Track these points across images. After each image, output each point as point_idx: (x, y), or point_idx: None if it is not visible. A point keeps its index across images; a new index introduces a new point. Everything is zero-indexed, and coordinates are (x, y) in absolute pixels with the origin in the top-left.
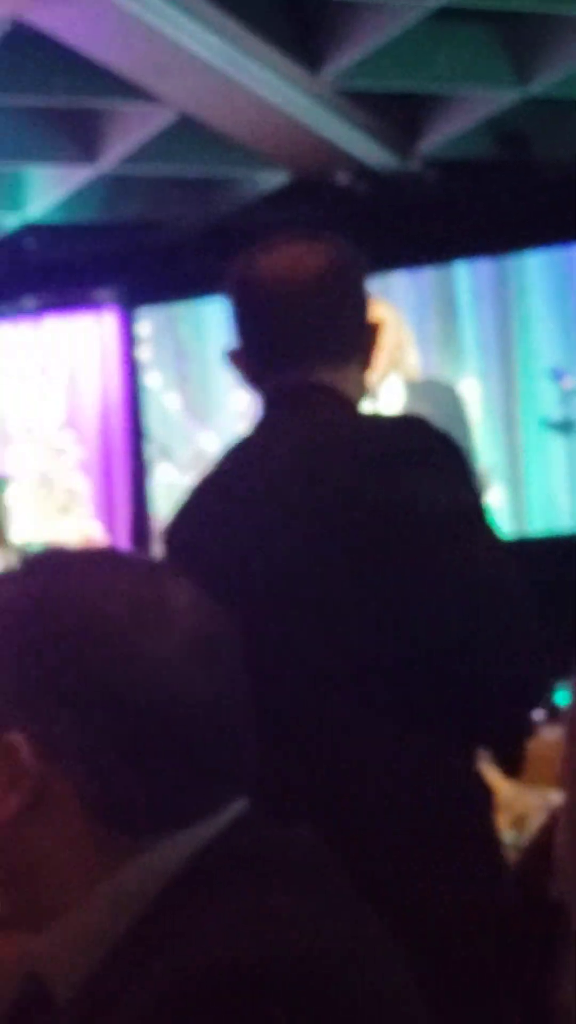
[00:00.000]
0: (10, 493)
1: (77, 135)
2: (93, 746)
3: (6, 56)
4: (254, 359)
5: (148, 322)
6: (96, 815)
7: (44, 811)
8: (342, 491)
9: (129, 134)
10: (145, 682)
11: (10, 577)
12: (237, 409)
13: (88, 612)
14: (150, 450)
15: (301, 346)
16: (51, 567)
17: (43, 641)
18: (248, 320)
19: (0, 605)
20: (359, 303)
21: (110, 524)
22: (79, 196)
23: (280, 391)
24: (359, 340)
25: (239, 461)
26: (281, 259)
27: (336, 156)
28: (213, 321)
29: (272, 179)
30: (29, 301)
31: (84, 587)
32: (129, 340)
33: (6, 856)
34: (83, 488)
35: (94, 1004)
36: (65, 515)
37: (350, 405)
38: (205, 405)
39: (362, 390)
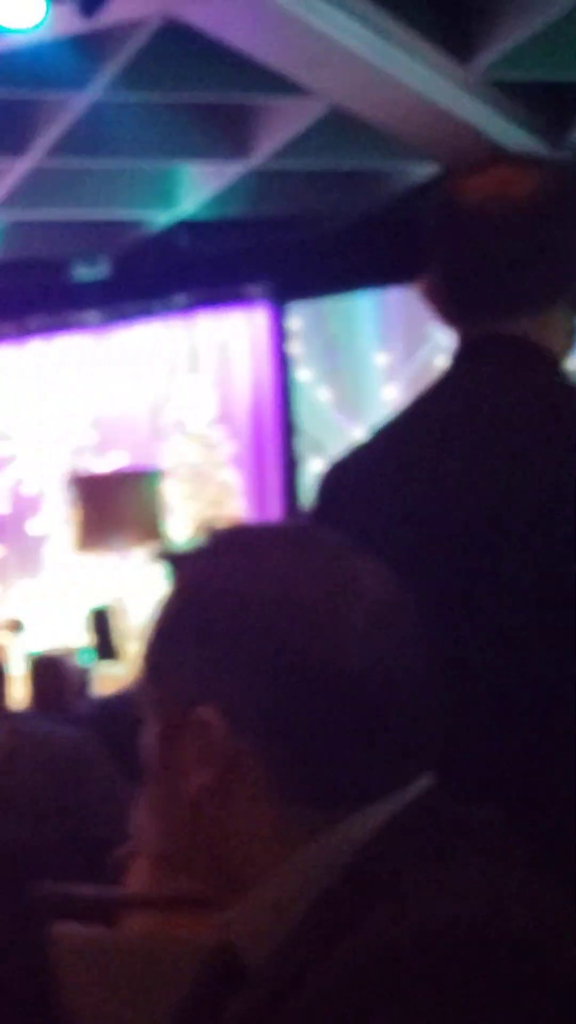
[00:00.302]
0: (164, 487)
1: (228, 130)
2: (283, 721)
3: (157, 53)
4: (449, 296)
5: (299, 317)
6: (285, 789)
7: (234, 785)
8: (535, 475)
9: (280, 128)
10: (335, 657)
11: (199, 553)
12: (388, 402)
13: (279, 587)
14: (301, 444)
15: (501, 286)
16: (241, 543)
17: (235, 616)
18: (445, 250)
19: (191, 581)
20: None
21: (262, 518)
22: (230, 191)
23: (470, 341)
24: (570, 278)
25: (412, 422)
26: (489, 181)
27: (486, 146)
28: (364, 315)
29: (422, 170)
30: (181, 297)
31: (275, 562)
32: (280, 335)
33: (197, 829)
34: (235, 482)
35: (285, 974)
36: (217, 509)
37: (551, 363)
38: (356, 399)
39: (568, 339)
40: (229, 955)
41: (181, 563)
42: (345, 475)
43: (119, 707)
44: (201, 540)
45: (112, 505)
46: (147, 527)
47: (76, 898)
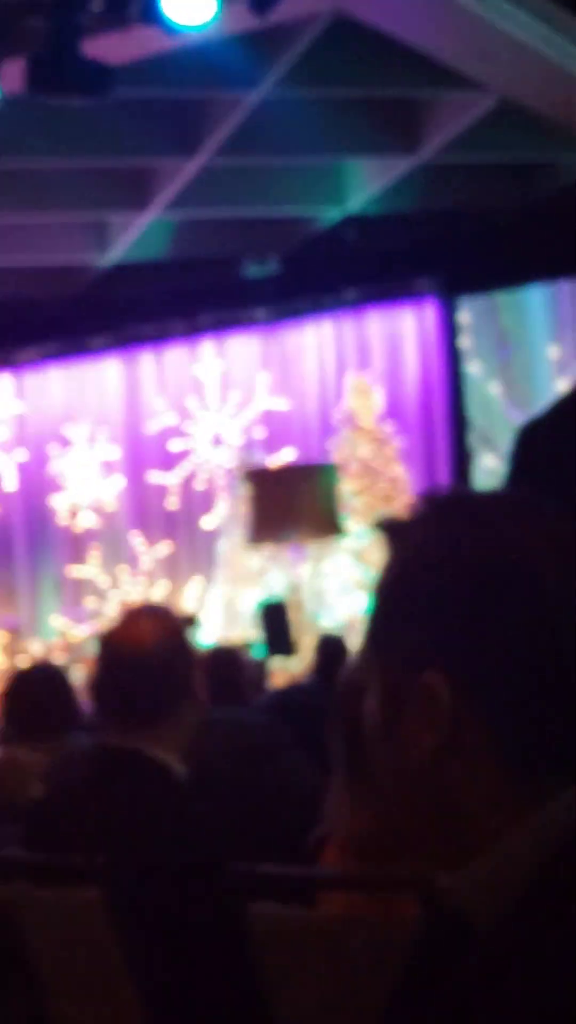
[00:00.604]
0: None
1: (397, 125)
2: (510, 688)
3: (327, 49)
4: None
5: (468, 311)
6: (509, 756)
7: (460, 751)
8: None
9: (449, 122)
10: (563, 626)
11: (421, 521)
12: (560, 395)
13: (505, 554)
14: (472, 439)
15: None
16: (463, 510)
17: (462, 582)
18: None
19: (414, 549)
20: None
21: None
22: (398, 186)
23: None
24: None
25: None
26: None
27: None
28: (535, 308)
29: None
30: (350, 293)
31: (499, 529)
32: (450, 329)
33: (423, 794)
34: (405, 477)
35: (520, 936)
36: (388, 504)
37: None
38: (527, 392)
39: None
40: (454, 921)
41: (402, 531)
42: (545, 430)
43: (297, 699)
44: (420, 508)
45: (288, 498)
46: (323, 520)
47: (273, 877)
